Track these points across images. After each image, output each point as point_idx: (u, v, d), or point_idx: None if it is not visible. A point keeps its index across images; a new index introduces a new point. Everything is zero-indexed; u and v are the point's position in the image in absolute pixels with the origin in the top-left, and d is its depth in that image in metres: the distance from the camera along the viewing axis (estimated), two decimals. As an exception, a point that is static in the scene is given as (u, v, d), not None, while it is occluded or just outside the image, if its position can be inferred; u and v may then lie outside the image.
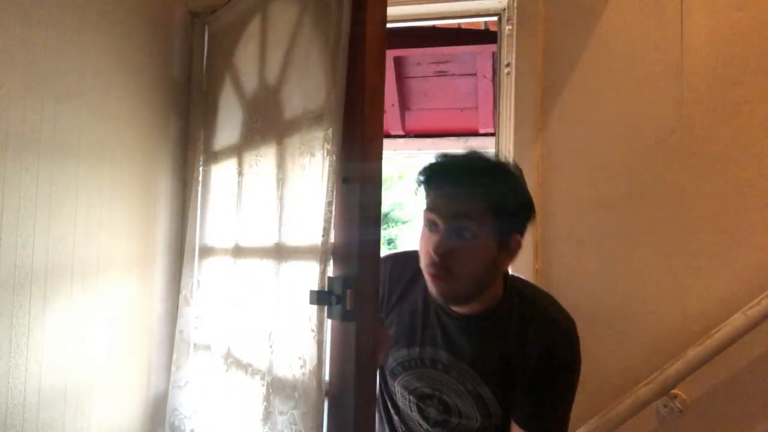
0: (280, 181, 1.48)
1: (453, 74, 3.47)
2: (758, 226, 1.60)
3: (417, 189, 1.19)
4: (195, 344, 2.02)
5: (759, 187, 1.61)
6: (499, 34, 1.96)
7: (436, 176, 1.16)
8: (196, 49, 2.09)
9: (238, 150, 1.77)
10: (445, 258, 1.11)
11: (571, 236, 1.74)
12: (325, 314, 1.18)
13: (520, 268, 1.75)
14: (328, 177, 1.14)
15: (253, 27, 1.72)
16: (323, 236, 1.17)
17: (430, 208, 1.15)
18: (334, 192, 1.15)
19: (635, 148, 1.71)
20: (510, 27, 1.87)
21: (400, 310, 1.32)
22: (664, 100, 1.70)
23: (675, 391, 1.59)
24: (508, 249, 1.16)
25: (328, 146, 1.15)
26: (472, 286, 1.16)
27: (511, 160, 1.28)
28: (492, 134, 3.51)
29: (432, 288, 1.16)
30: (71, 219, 1.60)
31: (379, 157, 1.09)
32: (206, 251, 2.01)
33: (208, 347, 2.00)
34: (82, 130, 1.63)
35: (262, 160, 1.60)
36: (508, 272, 1.27)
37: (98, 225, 1.70)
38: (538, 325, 1.17)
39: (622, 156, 1.72)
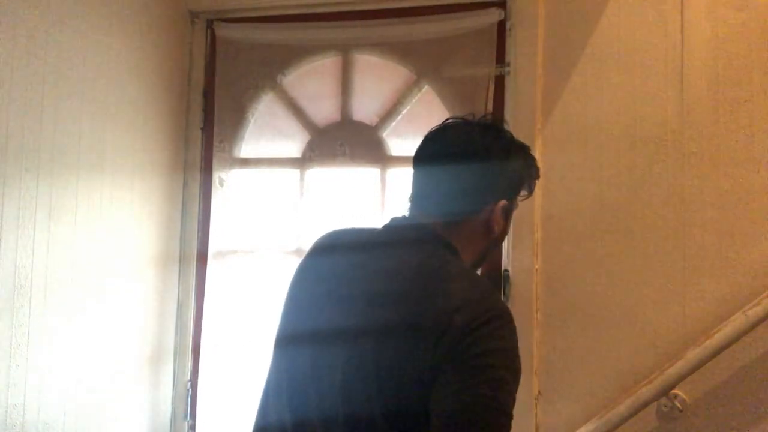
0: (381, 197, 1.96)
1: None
2: (758, 226, 1.60)
3: (532, 182, 1.17)
4: (202, 344, 2.03)
5: (759, 186, 1.61)
6: (499, 34, 1.96)
7: None
8: (195, 49, 2.10)
9: (301, 163, 2.06)
10: None
11: (571, 236, 1.74)
12: None
13: (520, 267, 1.75)
14: None
15: (325, 63, 2.06)
16: None
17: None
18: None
19: (635, 148, 1.71)
20: (510, 27, 1.88)
21: None
22: (664, 100, 1.69)
23: (675, 391, 1.58)
24: None
25: None
26: None
27: None
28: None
29: None
30: (71, 219, 1.60)
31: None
32: (221, 254, 2.06)
33: (218, 347, 2.02)
34: (82, 130, 1.63)
35: (354, 179, 2.02)
36: None
37: (98, 225, 1.70)
38: None
39: (622, 156, 1.72)
